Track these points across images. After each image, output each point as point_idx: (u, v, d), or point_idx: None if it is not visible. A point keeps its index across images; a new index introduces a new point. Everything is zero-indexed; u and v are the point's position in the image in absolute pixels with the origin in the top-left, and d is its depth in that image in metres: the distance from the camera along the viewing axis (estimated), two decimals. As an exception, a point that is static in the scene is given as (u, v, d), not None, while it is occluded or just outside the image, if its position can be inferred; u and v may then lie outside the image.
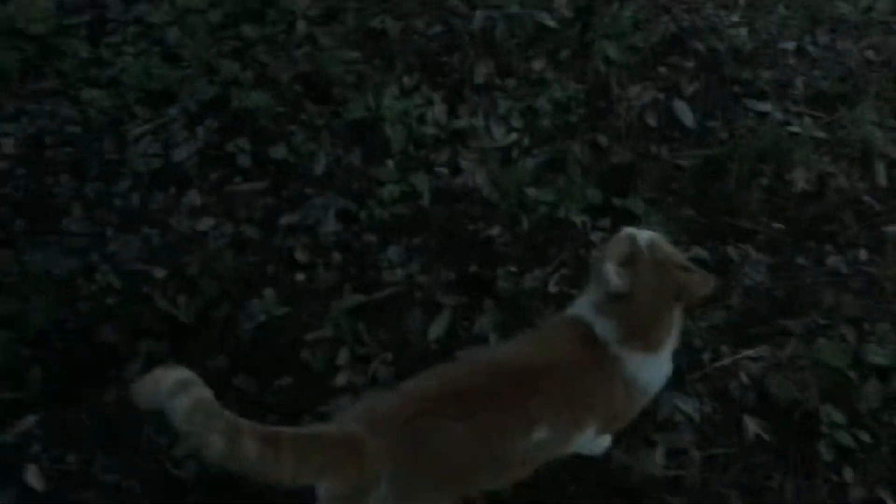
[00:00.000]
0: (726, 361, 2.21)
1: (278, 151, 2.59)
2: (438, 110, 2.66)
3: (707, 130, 2.61)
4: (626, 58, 2.74)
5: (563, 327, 1.80)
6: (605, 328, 1.72)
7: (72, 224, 2.52)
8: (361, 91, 2.71)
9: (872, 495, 2.03)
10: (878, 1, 2.87)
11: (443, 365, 1.75)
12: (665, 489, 2.04)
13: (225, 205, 2.52)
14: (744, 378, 2.18)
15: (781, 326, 2.25)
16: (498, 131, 2.63)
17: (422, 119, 2.65)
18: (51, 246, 2.45)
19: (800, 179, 2.48)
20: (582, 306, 1.79)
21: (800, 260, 2.36)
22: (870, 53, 2.76)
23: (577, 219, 2.43)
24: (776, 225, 2.42)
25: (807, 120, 2.59)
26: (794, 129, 2.57)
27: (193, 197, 2.54)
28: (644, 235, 1.77)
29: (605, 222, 2.43)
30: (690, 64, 2.75)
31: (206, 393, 1.44)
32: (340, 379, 2.18)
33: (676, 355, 2.13)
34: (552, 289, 2.33)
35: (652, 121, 2.64)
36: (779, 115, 2.61)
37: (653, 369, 1.77)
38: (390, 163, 2.57)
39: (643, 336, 1.72)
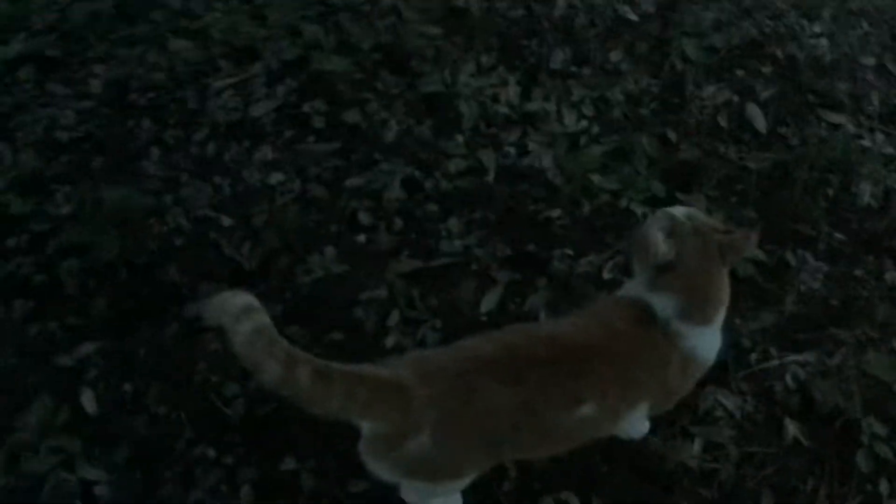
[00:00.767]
0: (773, 363, 2.21)
1: (352, 116, 2.66)
2: (512, 91, 2.70)
3: (777, 136, 2.61)
4: (704, 57, 2.75)
5: (621, 307, 1.82)
6: (662, 304, 1.73)
7: (149, 166, 2.62)
8: (439, 66, 2.77)
9: (906, 511, 2.03)
10: (965, 25, 2.84)
11: (500, 330, 1.80)
12: (698, 481, 2.05)
13: (295, 162, 2.60)
14: (789, 381, 2.18)
15: (832, 335, 2.24)
16: (569, 117, 2.66)
17: (495, 98, 2.70)
18: (127, 185, 2.55)
19: (865, 193, 2.47)
20: (634, 288, 1.82)
21: (858, 272, 2.35)
22: (951, 74, 2.73)
23: (639, 209, 2.46)
24: (838, 235, 2.42)
25: (879, 135, 2.58)
26: (865, 142, 2.56)
27: (266, 152, 2.62)
28: (680, 209, 1.80)
29: (666, 216, 2.45)
30: (768, 69, 2.75)
31: (268, 320, 1.51)
32: (389, 340, 2.23)
33: (723, 351, 2.19)
34: (606, 275, 2.35)
35: (723, 121, 2.65)
36: (851, 128, 2.60)
37: (709, 341, 1.79)
38: (460, 137, 2.63)
39: (699, 306, 1.73)
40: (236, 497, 2.02)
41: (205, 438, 2.12)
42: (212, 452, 2.09)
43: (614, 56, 2.78)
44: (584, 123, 2.65)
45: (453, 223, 2.46)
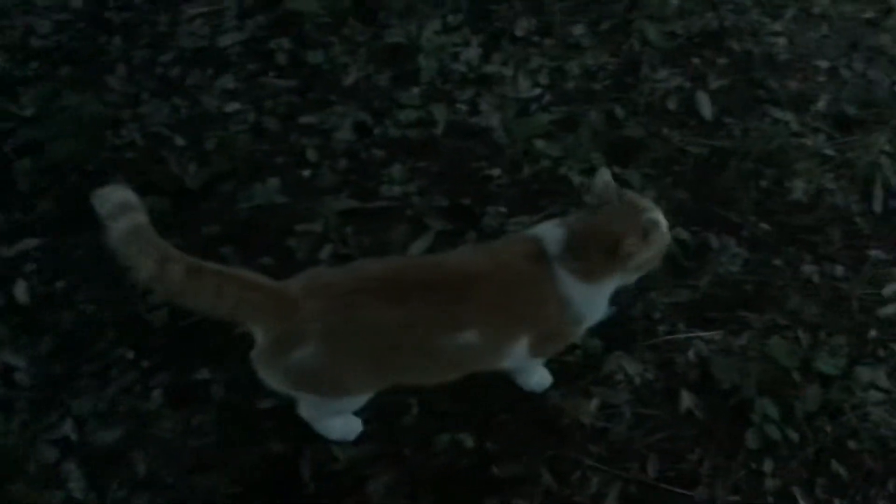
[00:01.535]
0: (679, 337, 2.29)
1: (315, 56, 2.74)
2: (473, 53, 2.78)
3: (721, 125, 2.68)
4: (663, 42, 2.82)
5: (518, 240, 1.92)
6: (553, 243, 1.80)
7: (113, 81, 2.71)
8: (406, 19, 2.84)
9: (786, 490, 2.10)
10: (921, 40, 2.90)
11: (396, 256, 1.87)
12: (589, 437, 2.13)
13: (254, 94, 2.68)
14: (691, 356, 2.26)
15: (741, 317, 2.32)
16: (524, 83, 2.73)
17: (455, 57, 2.78)
18: (89, 95, 2.63)
19: (798, 189, 2.54)
20: (545, 226, 1.90)
21: (776, 261, 2.42)
22: (898, 88, 2.81)
23: (576, 178, 2.53)
24: (763, 225, 2.49)
25: (820, 136, 2.65)
26: (807, 141, 2.62)
27: (227, 81, 2.71)
28: (637, 197, 1.88)
29: (601, 187, 2.52)
30: (723, 61, 2.81)
31: (144, 218, 1.60)
32: (318, 271, 2.34)
33: (632, 321, 2.28)
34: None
35: (672, 105, 2.71)
36: (795, 126, 2.66)
37: (586, 299, 1.84)
38: (415, 90, 2.70)
39: (585, 260, 1.79)
40: (147, 399, 2.12)
41: (126, 341, 2.21)
42: (130, 354, 2.19)
43: (577, 30, 2.85)
44: (538, 91, 2.72)
45: (396, 170, 2.54)
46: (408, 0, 2.88)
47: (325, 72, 2.72)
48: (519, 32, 2.83)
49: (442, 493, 2.04)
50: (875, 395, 2.24)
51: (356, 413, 2.03)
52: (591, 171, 2.56)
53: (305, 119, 2.61)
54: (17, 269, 2.28)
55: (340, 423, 2.04)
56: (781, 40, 2.87)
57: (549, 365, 2.14)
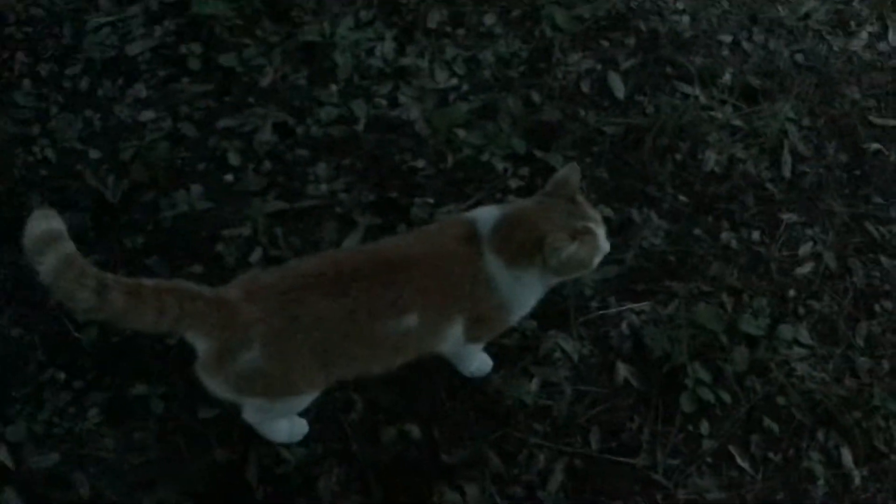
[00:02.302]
0: (611, 311, 2.36)
1: (229, 60, 2.69)
2: (388, 47, 2.77)
3: (634, 103, 2.75)
4: (572, 26, 2.87)
5: (451, 223, 1.95)
6: (484, 224, 1.82)
7: (20, 97, 2.61)
8: (319, 17, 2.82)
9: (723, 449, 2.19)
10: (816, 11, 3.02)
11: (330, 250, 1.87)
12: (533, 416, 2.19)
13: (168, 101, 2.62)
14: (624, 328, 2.34)
15: (667, 287, 2.40)
16: (440, 75, 2.75)
17: (371, 52, 2.76)
18: (-5, 114, 2.56)
19: (710, 160, 2.63)
20: (482, 209, 1.93)
21: (696, 231, 2.51)
22: (799, 57, 2.91)
23: (500, 164, 2.57)
24: (681, 197, 2.57)
25: (728, 108, 2.74)
26: (715, 114, 2.71)
27: (139, 89, 2.64)
28: (590, 207, 1.87)
29: (525, 171, 2.56)
30: (631, 41, 2.88)
31: (70, 246, 1.54)
32: (250, 275, 2.32)
33: (565, 300, 2.33)
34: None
35: (585, 87, 2.77)
36: (703, 100, 2.75)
37: (511, 286, 1.84)
38: (334, 87, 2.69)
39: (506, 246, 1.80)
40: (83, 419, 2.07)
41: (56, 362, 2.16)
42: (62, 375, 2.14)
43: (488, 20, 2.87)
44: (455, 81, 2.74)
45: (321, 168, 2.53)
46: (319, -2, 2.87)
47: (241, 74, 2.68)
48: (431, 24, 2.84)
49: (393, 485, 2.06)
50: (799, 351, 2.36)
51: (301, 414, 2.03)
52: (513, 157, 2.63)
53: (224, 123, 2.57)
54: (-68, 298, 2.21)
55: (286, 425, 2.03)
56: (685, 18, 2.95)
57: (488, 349, 2.17)
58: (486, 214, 1.85)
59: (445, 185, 2.53)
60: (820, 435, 2.22)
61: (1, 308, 2.21)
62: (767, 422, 2.22)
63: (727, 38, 2.93)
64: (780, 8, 3.03)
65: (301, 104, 2.65)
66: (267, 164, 2.52)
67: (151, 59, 2.70)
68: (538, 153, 2.58)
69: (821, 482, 2.15)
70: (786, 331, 2.34)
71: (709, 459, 2.17)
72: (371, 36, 2.79)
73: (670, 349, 2.27)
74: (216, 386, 1.76)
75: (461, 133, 2.60)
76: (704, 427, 2.21)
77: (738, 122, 2.72)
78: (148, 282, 1.63)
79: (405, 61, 2.76)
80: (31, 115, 2.57)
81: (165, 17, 2.78)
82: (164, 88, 2.64)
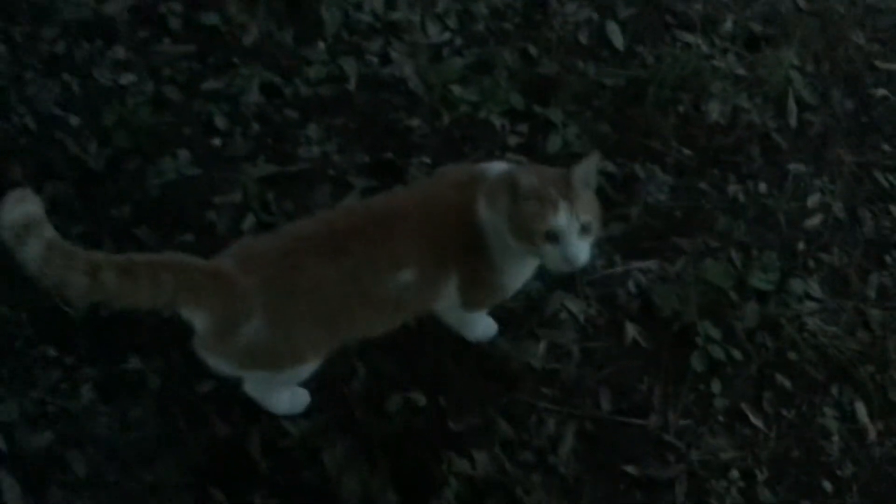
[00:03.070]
0: (617, 270, 2.30)
1: (210, 18, 2.58)
2: (377, 1, 2.68)
3: (634, 54, 2.67)
4: (567, -25, 2.78)
5: (458, 171, 1.86)
6: (489, 175, 1.74)
7: (-6, 63, 2.51)
8: (303, -30, 2.72)
9: (735, 407, 2.15)
10: (819, -47, 2.94)
11: (323, 211, 1.80)
12: (541, 380, 2.13)
13: (149, 63, 2.50)
14: (631, 287, 2.28)
15: (674, 243, 2.35)
16: (433, 29, 2.65)
17: (359, 6, 2.66)
18: (-32, 81, 2.44)
19: (714, 111, 2.56)
20: (495, 162, 1.85)
21: (702, 185, 2.45)
22: (802, 2, 2.84)
23: (497, 121, 2.49)
24: (685, 150, 2.50)
25: (731, 56, 2.67)
26: (717, 63, 2.64)
27: (118, 52, 2.52)
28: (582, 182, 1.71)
29: (524, 127, 2.48)
30: (628, -11, 2.80)
31: (51, 231, 1.45)
32: (243, 242, 2.23)
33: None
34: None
35: (583, 38, 2.69)
36: (705, 49, 2.68)
37: (500, 242, 1.72)
38: (321, 44, 2.58)
39: (493, 189, 1.70)
40: (76, 396, 1.99)
41: (46, 338, 2.06)
42: (52, 352, 2.04)
43: (481, -31, 2.79)
44: (448, 35, 2.64)
45: (312, 130, 2.44)
46: (303, -49, 2.75)
47: (224, 33, 2.57)
48: (422, -24, 2.75)
49: (400, 455, 2.00)
50: (809, 305, 2.31)
51: (302, 384, 1.96)
52: (511, 113, 2.54)
53: (209, 85, 2.46)
54: (-84, 274, 2.11)
55: (288, 396, 1.97)
56: (684, -36, 2.87)
57: (492, 313, 2.10)
58: (496, 168, 1.78)
59: (442, 143, 2.45)
60: (833, 390, 2.18)
61: (-16, 284, 2.13)
62: (780, 378, 2.18)
63: (728, -16, 2.85)
64: (781, -49, 2.95)
65: (288, 63, 2.54)
66: (255, 127, 2.42)
67: (129, 20, 2.57)
68: (537, 108, 2.50)
69: (835, 438, 2.11)
70: (796, 285, 2.30)
71: (721, 418, 2.12)
72: (358, -10, 2.69)
73: (679, 307, 2.21)
74: (218, 362, 1.69)
75: (456, 89, 2.51)
76: (716, 386, 2.17)
77: (741, 71, 2.65)
78: (139, 257, 1.55)
79: (395, 15, 2.66)
80: (7, 81, 2.45)
81: (143, -24, 2.67)
82: (143, 50, 2.52)
